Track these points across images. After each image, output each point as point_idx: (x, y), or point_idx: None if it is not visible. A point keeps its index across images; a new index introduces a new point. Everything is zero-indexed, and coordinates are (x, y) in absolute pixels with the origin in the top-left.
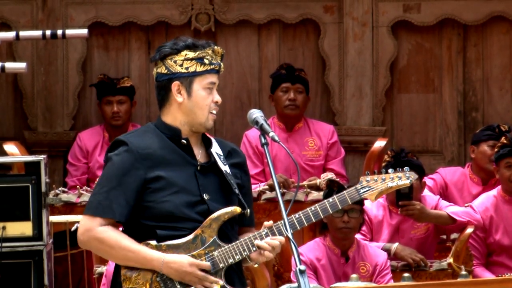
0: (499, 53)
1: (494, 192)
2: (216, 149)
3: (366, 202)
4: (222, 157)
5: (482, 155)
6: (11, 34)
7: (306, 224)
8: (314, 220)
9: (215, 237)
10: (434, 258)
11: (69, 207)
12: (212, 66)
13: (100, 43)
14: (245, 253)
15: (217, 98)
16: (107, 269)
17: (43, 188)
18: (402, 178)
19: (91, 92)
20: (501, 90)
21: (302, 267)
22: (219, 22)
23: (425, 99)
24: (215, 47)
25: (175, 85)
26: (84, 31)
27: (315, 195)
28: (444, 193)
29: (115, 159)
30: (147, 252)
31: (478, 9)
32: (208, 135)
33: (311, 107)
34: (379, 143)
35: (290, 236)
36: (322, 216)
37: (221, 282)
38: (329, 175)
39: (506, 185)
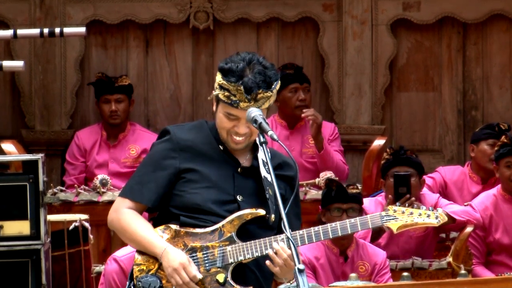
0: (499, 52)
1: (493, 191)
2: (263, 155)
3: (365, 200)
4: (267, 166)
5: (482, 154)
6: (8, 33)
7: (322, 239)
8: (331, 237)
9: (233, 233)
10: (434, 257)
11: (67, 206)
12: (231, 101)
13: (98, 41)
14: (257, 253)
15: (240, 129)
16: (105, 268)
17: (41, 187)
18: (430, 216)
19: (89, 91)
20: (501, 88)
21: (301, 266)
22: (218, 20)
23: (424, 98)
24: (243, 87)
25: (212, 93)
26: (82, 29)
27: (313, 193)
28: (444, 192)
29: (155, 147)
30: (153, 238)
31: (478, 7)
32: (260, 143)
33: (310, 106)
34: (378, 142)
35: (289, 235)
36: (340, 234)
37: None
38: (328, 174)
39: (506, 184)
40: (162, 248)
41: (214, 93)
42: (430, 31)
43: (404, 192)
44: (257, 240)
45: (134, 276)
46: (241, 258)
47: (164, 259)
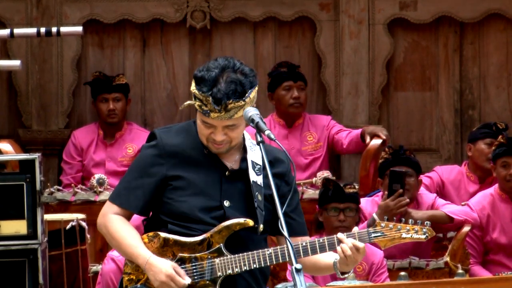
0: (495, 51)
1: (491, 190)
2: (253, 157)
3: (361, 200)
4: (258, 166)
5: (479, 153)
6: (5, 32)
7: (310, 255)
8: (319, 252)
9: (221, 244)
10: (431, 256)
11: (64, 206)
12: (203, 111)
13: (95, 41)
14: (245, 267)
15: (216, 137)
16: (102, 268)
17: (38, 187)
18: (418, 232)
19: (86, 90)
20: (498, 88)
21: (298, 266)
22: (215, 20)
23: (421, 97)
24: (211, 98)
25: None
26: (79, 29)
27: (311, 193)
28: (441, 191)
29: (143, 152)
30: (137, 249)
31: (474, 7)
32: (250, 141)
33: (307, 105)
34: (375, 142)
35: (286, 234)
36: (327, 250)
37: None
38: (325, 174)
39: (503, 184)
40: (145, 260)
41: (188, 102)
42: (427, 30)
43: (397, 189)
44: (245, 254)
45: (124, 286)
46: (229, 271)
47: (149, 272)
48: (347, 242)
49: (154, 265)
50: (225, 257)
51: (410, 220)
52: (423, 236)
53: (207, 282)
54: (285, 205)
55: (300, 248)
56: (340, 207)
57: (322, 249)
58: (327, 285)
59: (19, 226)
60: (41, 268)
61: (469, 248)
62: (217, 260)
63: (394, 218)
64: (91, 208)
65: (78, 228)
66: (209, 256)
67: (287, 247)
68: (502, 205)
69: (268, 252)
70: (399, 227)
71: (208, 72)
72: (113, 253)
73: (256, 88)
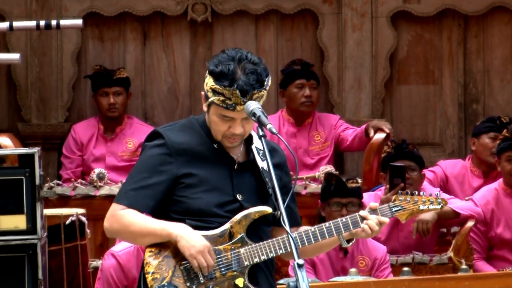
0: (500, 44)
1: (495, 185)
2: (257, 143)
3: (364, 195)
4: (262, 152)
5: (483, 148)
6: (4, 25)
7: (335, 235)
8: (343, 232)
9: (243, 234)
10: (434, 252)
11: (64, 200)
12: (226, 105)
13: (95, 34)
14: (271, 254)
15: (236, 130)
16: (102, 263)
17: (37, 181)
18: (433, 203)
19: (86, 84)
20: (502, 81)
21: (300, 261)
22: (216, 13)
23: (425, 91)
24: (238, 91)
25: (202, 95)
26: (79, 22)
27: (313, 187)
28: (445, 186)
29: (149, 151)
30: (165, 223)
31: (478, 0)
32: (259, 136)
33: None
34: (379, 136)
35: (288, 230)
36: (352, 229)
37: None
38: (328, 168)
39: (507, 178)
40: (176, 230)
41: (209, 99)
42: (431, 23)
43: (398, 183)
44: (269, 241)
45: (149, 286)
46: (256, 260)
47: (184, 238)
48: (372, 218)
49: (189, 234)
50: (249, 246)
51: (422, 192)
52: (439, 206)
53: (235, 273)
54: (289, 196)
55: (325, 229)
56: (343, 202)
57: (346, 228)
58: (330, 280)
59: (18, 221)
60: (40, 263)
61: (473, 243)
62: (242, 250)
63: (407, 192)
64: (91, 203)
65: (78, 223)
66: (233, 247)
67: (290, 240)
68: (506, 200)
69: (293, 236)
70: (416, 199)
71: (226, 66)
72: (114, 249)
73: (269, 76)
